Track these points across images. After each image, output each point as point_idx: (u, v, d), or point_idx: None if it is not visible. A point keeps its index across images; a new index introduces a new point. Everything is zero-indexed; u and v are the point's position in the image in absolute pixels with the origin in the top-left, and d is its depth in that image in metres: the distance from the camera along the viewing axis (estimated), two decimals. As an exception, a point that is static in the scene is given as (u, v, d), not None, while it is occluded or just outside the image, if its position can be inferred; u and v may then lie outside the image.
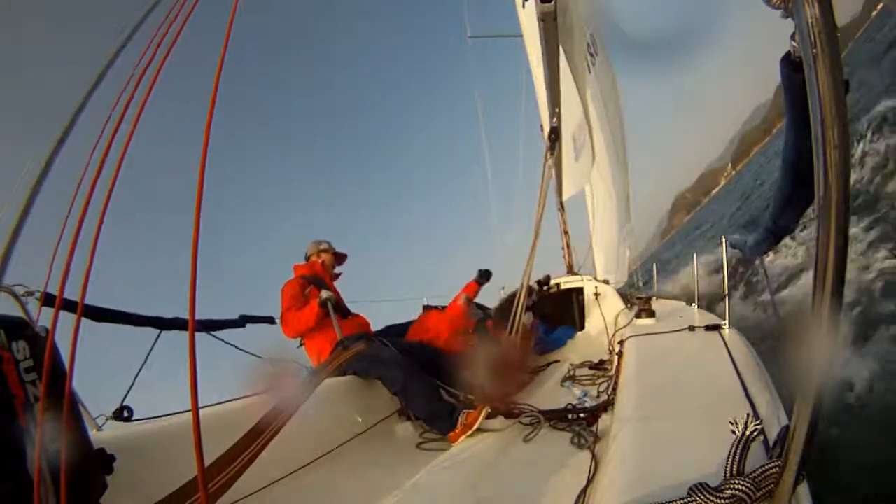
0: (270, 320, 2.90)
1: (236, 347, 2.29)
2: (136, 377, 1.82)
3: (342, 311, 2.99)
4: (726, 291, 2.21)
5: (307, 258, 3.28)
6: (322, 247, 3.29)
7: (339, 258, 3.35)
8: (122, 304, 2.00)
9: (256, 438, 1.56)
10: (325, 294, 2.83)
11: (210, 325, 2.29)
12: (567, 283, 4.98)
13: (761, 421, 0.80)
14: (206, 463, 0.84)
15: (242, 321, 2.69)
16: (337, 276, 3.31)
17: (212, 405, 2.04)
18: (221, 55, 0.84)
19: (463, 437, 2.03)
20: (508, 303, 4.11)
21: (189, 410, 0.68)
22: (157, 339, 1.99)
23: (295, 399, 1.80)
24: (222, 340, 2.24)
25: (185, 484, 1.33)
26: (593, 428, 1.81)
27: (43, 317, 1.41)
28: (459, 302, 3.40)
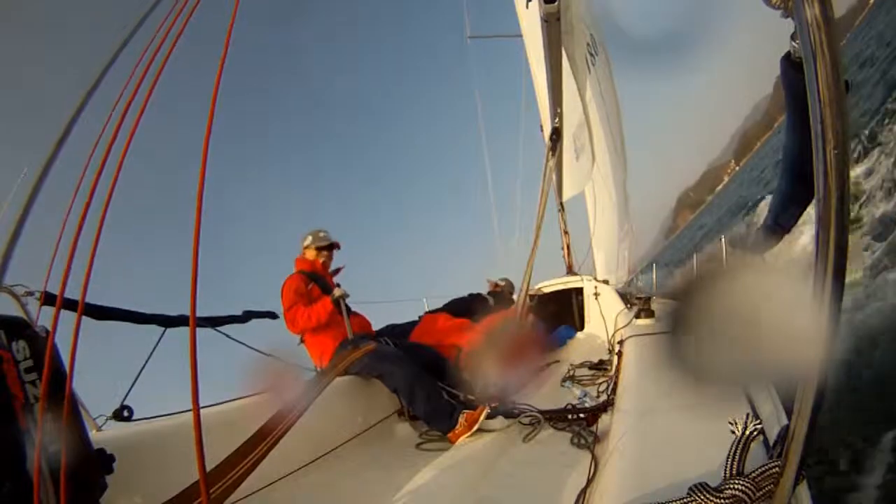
0: (273, 315, 2.89)
1: (243, 344, 2.28)
2: (137, 376, 1.82)
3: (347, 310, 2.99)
4: None
5: (303, 250, 3.22)
6: (319, 244, 3.20)
7: (334, 247, 3.26)
8: (124, 305, 1.99)
9: (261, 442, 1.56)
10: (338, 292, 2.84)
11: (213, 322, 2.28)
12: (567, 283, 4.98)
13: (761, 421, 0.80)
14: (208, 463, 0.84)
15: (245, 317, 2.68)
16: (338, 270, 3.28)
17: (213, 405, 2.04)
18: (223, 57, 0.84)
19: (463, 438, 2.03)
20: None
21: (189, 410, 0.68)
22: (161, 337, 1.98)
23: (302, 402, 1.80)
24: (228, 336, 2.23)
25: (184, 489, 1.33)
26: (593, 428, 1.81)
27: (43, 317, 1.41)
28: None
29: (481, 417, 2.03)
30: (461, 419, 2.08)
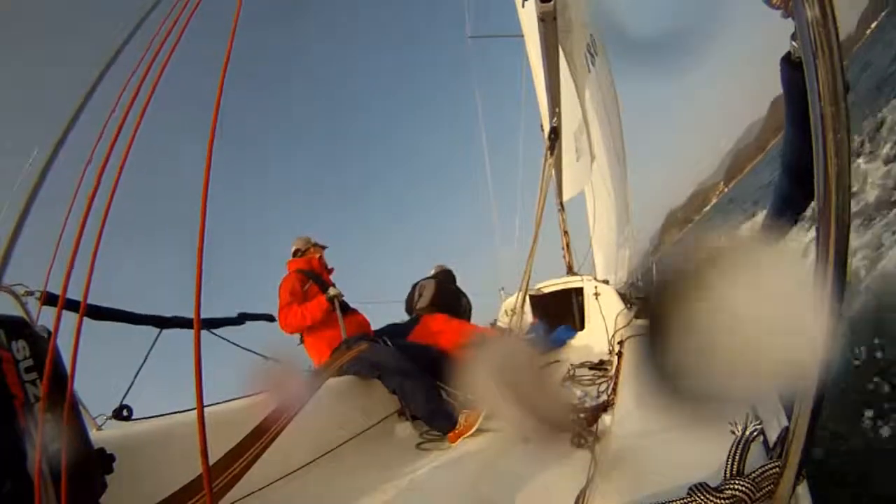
0: (269, 318, 2.86)
1: (241, 346, 2.27)
2: (135, 376, 1.82)
3: (344, 308, 2.99)
4: None
5: (298, 253, 3.22)
6: (313, 241, 3.26)
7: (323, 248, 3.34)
8: (122, 304, 1.99)
9: (259, 438, 1.56)
10: (332, 291, 2.84)
11: (210, 324, 2.26)
12: (567, 283, 4.98)
13: (761, 421, 0.80)
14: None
15: (241, 319, 2.65)
16: (330, 270, 3.30)
17: (211, 405, 2.04)
18: (226, 58, 0.84)
19: (463, 438, 2.03)
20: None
21: (189, 410, 0.68)
22: (156, 338, 1.98)
23: (298, 399, 1.80)
24: (225, 339, 2.21)
25: (188, 483, 1.33)
26: (593, 428, 1.81)
27: (43, 317, 1.41)
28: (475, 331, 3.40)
29: (481, 417, 2.03)
30: (461, 419, 2.07)
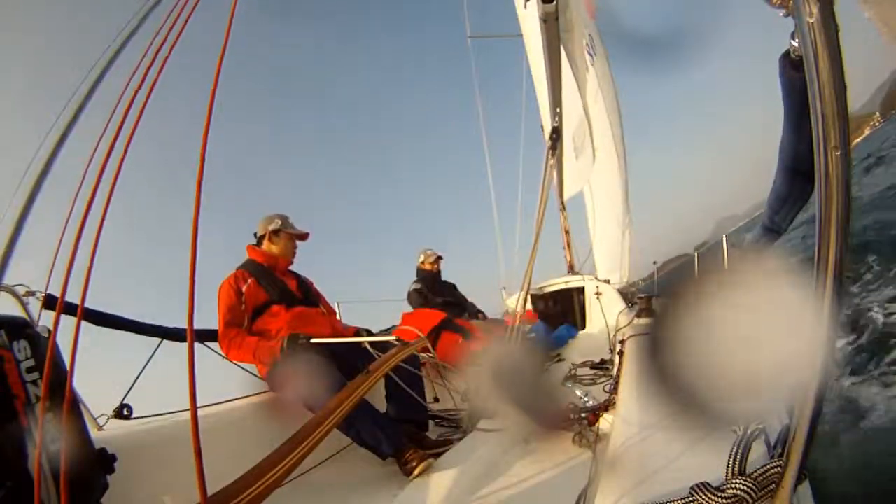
0: None
1: (237, 365, 2.22)
2: (136, 379, 1.82)
3: (295, 302, 2.33)
4: None
5: (259, 239, 2.45)
6: (272, 226, 2.41)
7: (300, 237, 2.52)
8: (122, 303, 1.99)
9: (302, 441, 1.43)
10: (299, 335, 2.07)
11: (207, 336, 2.21)
12: (568, 282, 4.99)
13: (762, 420, 0.80)
14: (208, 464, 0.83)
15: None
16: (308, 283, 2.61)
17: (211, 404, 2.04)
18: (220, 56, 0.84)
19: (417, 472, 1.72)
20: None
21: (188, 410, 0.68)
22: (157, 348, 1.99)
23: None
24: (219, 354, 2.17)
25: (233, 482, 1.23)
26: (594, 427, 1.81)
27: (44, 317, 1.41)
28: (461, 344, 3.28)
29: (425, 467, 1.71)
30: (410, 461, 1.76)
